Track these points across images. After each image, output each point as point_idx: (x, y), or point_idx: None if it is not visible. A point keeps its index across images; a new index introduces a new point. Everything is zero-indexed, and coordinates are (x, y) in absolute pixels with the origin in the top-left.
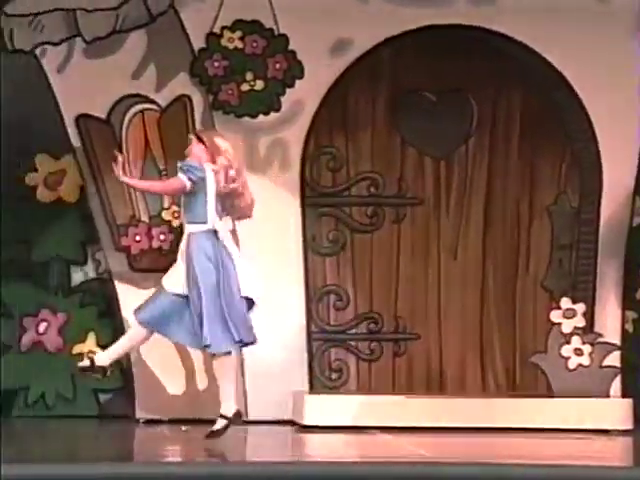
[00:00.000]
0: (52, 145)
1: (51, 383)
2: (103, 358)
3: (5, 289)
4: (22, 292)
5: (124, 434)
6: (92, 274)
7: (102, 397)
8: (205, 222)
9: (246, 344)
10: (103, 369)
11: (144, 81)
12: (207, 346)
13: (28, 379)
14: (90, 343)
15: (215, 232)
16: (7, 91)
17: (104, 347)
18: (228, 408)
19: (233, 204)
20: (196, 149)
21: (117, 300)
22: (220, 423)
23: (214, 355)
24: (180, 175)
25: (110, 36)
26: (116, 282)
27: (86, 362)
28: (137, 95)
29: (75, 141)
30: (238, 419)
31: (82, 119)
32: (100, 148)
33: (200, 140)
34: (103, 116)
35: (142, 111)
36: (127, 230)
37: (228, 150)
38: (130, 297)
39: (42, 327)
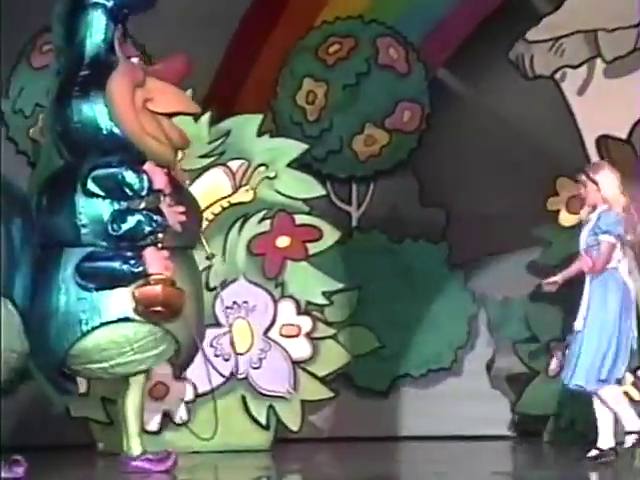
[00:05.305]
0: (572, 168)
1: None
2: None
3: None
4: None
5: None
6: None
7: None
8: None
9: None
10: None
11: None
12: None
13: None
14: None
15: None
16: (527, 116)
17: None
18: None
19: None
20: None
21: None
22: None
23: None
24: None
25: (630, 54)
26: None
27: (593, 452)
28: None
29: None
30: (611, 453)
31: (602, 140)
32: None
33: (593, 181)
34: (623, 136)
35: None
36: None
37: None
38: None
39: None
